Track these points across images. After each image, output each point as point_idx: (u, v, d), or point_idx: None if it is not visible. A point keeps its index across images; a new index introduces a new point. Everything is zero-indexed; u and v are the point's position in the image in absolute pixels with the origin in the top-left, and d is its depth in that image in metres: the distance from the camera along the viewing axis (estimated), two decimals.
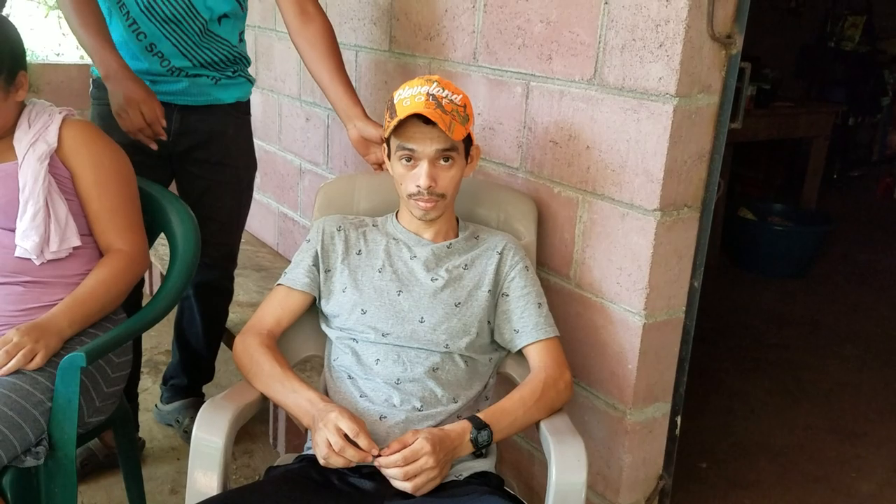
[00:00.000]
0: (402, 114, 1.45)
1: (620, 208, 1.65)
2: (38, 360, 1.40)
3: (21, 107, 1.59)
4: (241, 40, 2.10)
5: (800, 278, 4.08)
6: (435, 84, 1.48)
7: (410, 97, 1.46)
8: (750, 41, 1.55)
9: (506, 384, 1.61)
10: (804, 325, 3.51)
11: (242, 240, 2.62)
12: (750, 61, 4.12)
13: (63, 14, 1.79)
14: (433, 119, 1.42)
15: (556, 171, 1.78)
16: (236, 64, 2.09)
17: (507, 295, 1.58)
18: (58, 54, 4.84)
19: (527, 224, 1.77)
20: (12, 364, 1.38)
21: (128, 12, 1.90)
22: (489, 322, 1.58)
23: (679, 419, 1.80)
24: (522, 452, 2.01)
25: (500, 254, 1.60)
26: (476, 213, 1.77)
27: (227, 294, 2.33)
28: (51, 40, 5.17)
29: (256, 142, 3.18)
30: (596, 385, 1.79)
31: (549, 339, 1.56)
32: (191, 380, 2.33)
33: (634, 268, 1.64)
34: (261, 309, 1.60)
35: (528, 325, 1.56)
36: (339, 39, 2.36)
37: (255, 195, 3.28)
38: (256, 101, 3.16)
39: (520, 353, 1.58)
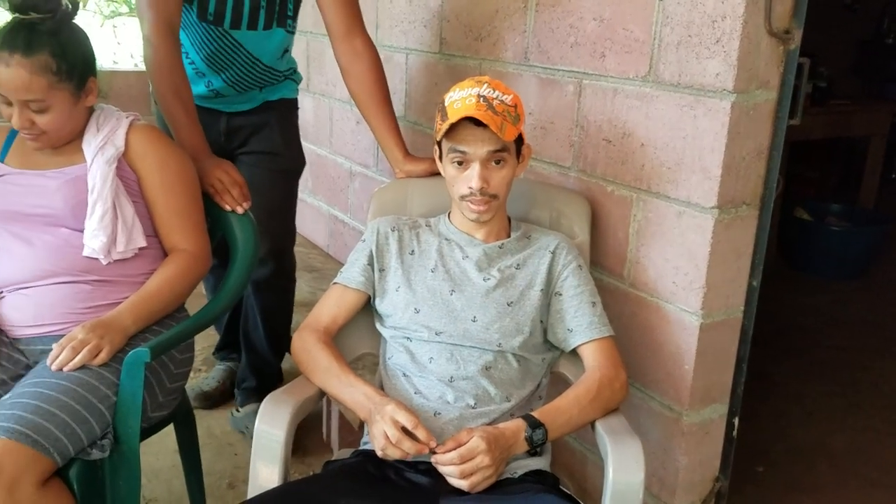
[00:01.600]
0: (453, 117, 1.45)
1: (676, 206, 1.63)
2: (103, 356, 1.45)
3: (90, 111, 1.64)
4: (287, 54, 2.15)
5: (857, 279, 3.98)
6: (485, 85, 1.49)
7: (461, 99, 1.47)
8: (805, 38, 1.53)
9: (560, 384, 1.60)
10: (862, 327, 3.42)
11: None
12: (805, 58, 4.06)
13: (152, 80, 1.81)
14: (484, 121, 1.42)
15: (610, 170, 1.78)
16: (284, 75, 2.16)
17: (561, 294, 1.58)
18: (114, 62, 4.98)
19: (580, 223, 1.76)
20: (78, 360, 1.42)
21: (186, 53, 1.98)
22: (542, 321, 1.58)
23: (736, 421, 1.78)
24: (575, 454, 2.00)
25: (553, 253, 1.59)
26: (529, 213, 1.77)
27: (283, 292, 2.34)
28: (106, 49, 5.33)
29: (308, 145, 3.24)
30: (652, 386, 1.77)
31: (603, 338, 1.55)
32: (259, 381, 2.36)
33: (691, 267, 1.62)
34: (317, 307, 1.63)
35: (581, 325, 1.55)
36: (389, 43, 2.40)
37: (307, 198, 3.34)
38: (308, 105, 3.21)
39: (574, 352, 1.57)
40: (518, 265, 1.58)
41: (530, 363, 1.56)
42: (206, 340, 2.79)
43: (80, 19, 1.63)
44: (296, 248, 2.82)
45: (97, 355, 1.44)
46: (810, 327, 3.40)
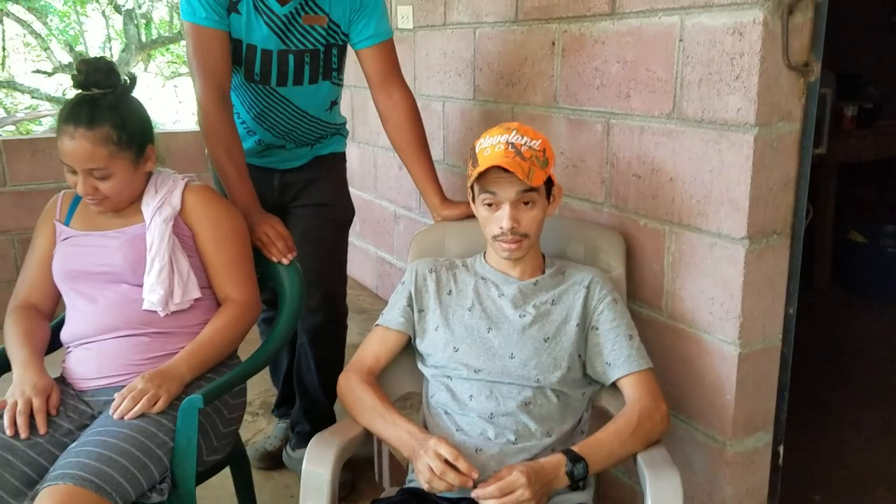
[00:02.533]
0: (483, 164, 1.52)
1: (708, 238, 1.66)
2: (160, 405, 1.54)
3: (149, 175, 1.76)
4: (335, 107, 2.23)
5: None
6: (514, 132, 1.55)
7: (491, 147, 1.54)
8: (851, 58, 1.55)
9: (602, 418, 1.63)
10: None
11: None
12: (851, 79, 4.02)
13: (207, 143, 1.95)
14: (511, 169, 1.48)
15: (641, 204, 1.81)
16: (333, 132, 2.24)
17: (597, 328, 1.61)
18: (175, 122, 5.23)
19: (615, 257, 1.80)
20: (138, 408, 1.52)
21: (238, 114, 2.09)
22: (580, 356, 1.61)
23: (781, 449, 1.77)
24: (625, 488, 2.01)
25: (587, 288, 1.63)
26: (565, 249, 1.82)
27: (337, 340, 2.39)
28: (168, 108, 5.61)
29: (355, 191, 3.34)
30: (695, 417, 1.78)
31: (642, 371, 1.57)
32: (312, 426, 2.38)
33: (726, 297, 1.64)
34: (361, 348, 1.70)
35: (619, 358, 1.58)
36: (426, 92, 2.49)
37: (355, 241, 3.44)
38: (354, 153, 3.33)
39: (614, 386, 1.60)
40: (553, 301, 1.63)
41: (570, 398, 1.59)
42: (262, 384, 2.89)
43: (143, 81, 1.75)
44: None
45: (155, 404, 1.53)
46: (867, 352, 3.33)
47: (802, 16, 1.51)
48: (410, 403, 2.09)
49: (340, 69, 2.12)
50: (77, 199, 1.79)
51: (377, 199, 3.19)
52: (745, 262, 1.59)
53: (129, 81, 1.70)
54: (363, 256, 3.37)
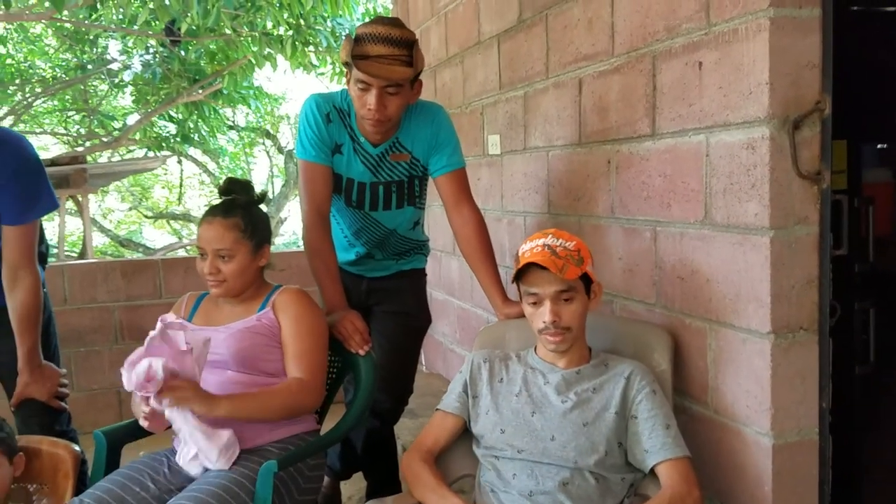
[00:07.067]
0: (521, 263, 1.75)
1: (741, 334, 1.77)
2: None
3: (260, 271, 2.09)
4: (418, 226, 2.56)
5: None
6: (550, 236, 1.78)
7: (530, 249, 1.77)
8: None
9: None
10: None
11: (443, 389, 2.88)
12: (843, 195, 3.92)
13: (307, 254, 2.31)
14: (545, 265, 1.70)
15: (686, 304, 1.95)
16: (415, 249, 2.58)
17: (636, 417, 1.74)
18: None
19: (662, 353, 1.93)
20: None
21: (341, 229, 2.47)
22: (620, 444, 1.74)
23: None
24: None
25: (627, 379, 1.78)
26: (616, 346, 1.97)
27: (394, 420, 2.62)
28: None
29: (454, 300, 3.62)
30: None
31: (677, 458, 1.68)
32: (343, 465, 2.64)
33: (758, 390, 1.73)
34: (423, 431, 1.91)
35: (656, 445, 1.70)
36: (511, 208, 2.77)
37: (455, 348, 3.68)
38: (454, 266, 3.62)
39: (654, 473, 1.70)
40: (594, 389, 1.78)
41: (609, 482, 1.71)
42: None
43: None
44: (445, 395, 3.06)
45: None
46: None
47: (810, 130, 1.66)
48: (471, 486, 2.24)
49: (422, 195, 2.46)
50: (199, 300, 2.15)
51: (473, 307, 3.43)
52: (772, 356, 1.69)
53: (260, 195, 2.12)
54: (461, 362, 3.58)
